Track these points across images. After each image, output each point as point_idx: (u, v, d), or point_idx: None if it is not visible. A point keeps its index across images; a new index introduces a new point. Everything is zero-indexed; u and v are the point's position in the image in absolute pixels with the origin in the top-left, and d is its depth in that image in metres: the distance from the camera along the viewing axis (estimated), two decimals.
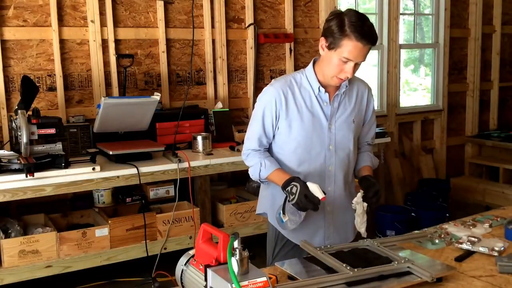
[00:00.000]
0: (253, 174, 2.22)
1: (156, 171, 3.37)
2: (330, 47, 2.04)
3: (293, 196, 1.98)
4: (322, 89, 2.17)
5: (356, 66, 2.05)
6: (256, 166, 2.18)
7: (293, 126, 2.16)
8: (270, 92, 2.18)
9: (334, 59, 2.05)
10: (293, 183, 2.00)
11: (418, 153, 5.50)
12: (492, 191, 5.26)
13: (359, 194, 2.13)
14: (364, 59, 2.05)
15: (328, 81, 2.14)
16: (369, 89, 2.34)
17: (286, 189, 2.02)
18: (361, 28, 1.97)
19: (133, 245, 3.43)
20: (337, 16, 2.03)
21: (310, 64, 2.21)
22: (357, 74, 2.16)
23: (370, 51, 2.08)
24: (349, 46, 1.99)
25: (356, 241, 2.02)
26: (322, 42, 2.08)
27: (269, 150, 2.27)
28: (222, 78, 4.33)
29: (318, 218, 2.22)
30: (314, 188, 1.98)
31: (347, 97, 2.23)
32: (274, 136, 2.22)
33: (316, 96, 2.17)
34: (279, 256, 2.27)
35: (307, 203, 1.96)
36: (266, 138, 2.21)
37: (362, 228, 2.15)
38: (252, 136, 2.23)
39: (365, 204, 2.11)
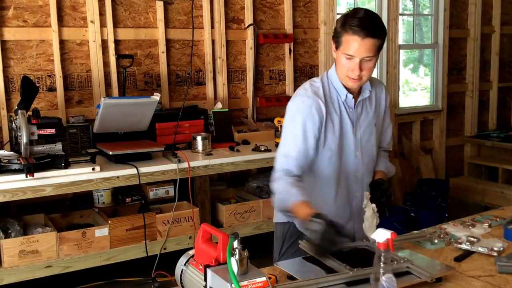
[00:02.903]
0: (276, 201, 2.04)
1: (155, 171, 3.37)
2: (337, 47, 2.01)
3: (317, 234, 1.76)
4: (350, 95, 2.09)
5: (364, 63, 1.96)
6: (281, 194, 2.00)
7: (327, 134, 2.08)
8: (308, 100, 2.04)
9: (341, 58, 1.99)
10: (315, 219, 1.77)
11: (417, 153, 5.50)
12: (491, 191, 5.26)
13: (365, 197, 2.08)
14: (369, 54, 1.94)
15: (345, 84, 2.07)
16: (386, 89, 2.27)
17: (307, 226, 1.83)
18: (360, 21, 1.92)
19: (133, 245, 3.43)
20: (342, 16, 2.01)
21: (333, 68, 2.12)
22: None
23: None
24: (348, 40, 1.94)
25: (356, 241, 2.03)
26: (332, 44, 2.04)
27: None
28: (221, 79, 4.33)
29: (349, 224, 2.19)
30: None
31: (368, 100, 2.17)
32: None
33: (343, 102, 2.11)
34: (286, 254, 2.24)
35: (332, 244, 1.76)
36: (306, 157, 2.03)
37: (369, 233, 2.03)
38: (291, 154, 2.02)
39: (374, 205, 2.05)
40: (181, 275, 1.56)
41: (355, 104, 2.13)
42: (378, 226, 1.91)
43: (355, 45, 1.93)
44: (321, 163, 2.12)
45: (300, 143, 2.03)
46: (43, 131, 3.11)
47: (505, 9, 5.92)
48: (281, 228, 2.29)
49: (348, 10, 2.05)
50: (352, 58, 1.95)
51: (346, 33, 1.94)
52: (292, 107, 2.10)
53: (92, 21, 3.78)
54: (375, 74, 5.22)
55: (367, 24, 1.92)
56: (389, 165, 2.33)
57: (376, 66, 5.28)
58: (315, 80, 2.14)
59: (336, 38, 1.99)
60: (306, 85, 2.13)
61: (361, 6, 5.32)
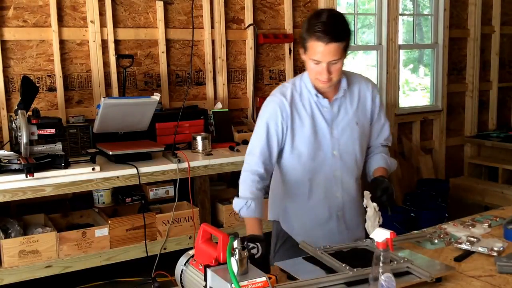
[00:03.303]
0: (235, 207, 2.13)
1: (155, 171, 3.37)
2: (304, 52, 2.04)
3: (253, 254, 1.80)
4: (320, 95, 2.12)
5: (332, 66, 1.99)
6: (241, 201, 2.09)
7: (296, 135, 2.12)
8: (273, 102, 2.12)
9: (309, 62, 2.03)
10: (256, 243, 1.83)
11: (417, 153, 5.50)
12: (491, 191, 5.26)
13: (365, 196, 2.05)
14: (335, 58, 1.97)
15: (316, 86, 2.10)
16: (374, 86, 2.25)
17: (246, 244, 1.85)
18: (323, 26, 1.93)
19: (133, 245, 3.43)
20: (307, 19, 2.04)
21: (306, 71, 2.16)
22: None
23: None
24: (313, 46, 1.97)
25: (356, 241, 2.03)
26: (300, 48, 2.08)
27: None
28: (221, 79, 4.33)
29: (330, 223, 2.21)
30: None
31: (349, 99, 2.17)
32: (282, 150, 2.15)
33: (315, 102, 2.13)
34: (280, 251, 2.28)
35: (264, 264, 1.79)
36: (269, 155, 2.12)
37: (372, 232, 2.08)
38: (255, 151, 2.13)
39: (375, 205, 2.03)
40: (181, 275, 1.56)
41: (330, 103, 2.14)
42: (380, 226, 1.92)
43: (320, 50, 1.95)
44: (292, 164, 2.16)
45: (263, 142, 2.11)
46: (43, 131, 3.11)
47: (505, 9, 5.92)
48: (275, 225, 2.33)
49: (312, 12, 2.08)
50: (319, 62, 1.99)
51: (310, 38, 1.97)
52: (261, 109, 2.18)
53: (92, 21, 3.78)
54: (375, 74, 5.25)
55: (330, 28, 1.94)
56: (390, 160, 2.31)
57: (376, 66, 5.33)
58: (287, 83, 2.20)
59: (303, 43, 2.03)
60: (277, 88, 2.20)
61: (360, 7, 5.33)
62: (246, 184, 2.10)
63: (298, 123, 2.11)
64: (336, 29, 1.96)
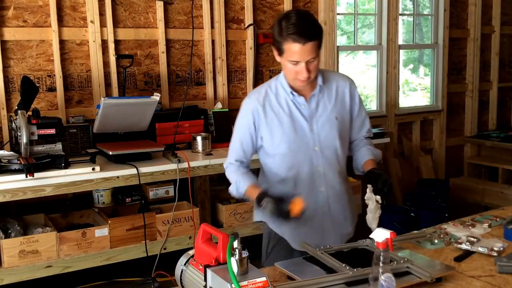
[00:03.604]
0: (233, 192, 2.25)
1: (155, 171, 3.37)
2: (279, 54, 2.09)
3: (269, 212, 1.99)
4: (295, 93, 2.18)
5: (310, 64, 2.06)
6: (234, 184, 2.23)
7: (275, 134, 2.18)
8: (247, 105, 2.23)
9: (286, 64, 2.09)
10: (264, 200, 2.00)
11: (417, 153, 5.50)
12: (491, 191, 5.26)
13: (368, 190, 2.08)
14: (313, 56, 2.04)
15: (295, 85, 2.16)
16: (351, 83, 2.31)
17: (259, 207, 2.04)
18: (296, 28, 1.99)
19: (133, 245, 3.43)
20: (276, 22, 2.08)
21: (283, 71, 2.22)
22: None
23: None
24: (290, 48, 2.02)
25: (356, 241, 2.03)
26: (274, 51, 2.13)
27: (260, 159, 2.30)
28: (221, 79, 4.34)
29: (315, 217, 2.23)
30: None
31: (326, 95, 2.23)
32: (260, 147, 2.24)
33: (292, 100, 2.19)
34: (273, 253, 2.30)
35: (284, 215, 1.97)
36: (243, 152, 2.24)
37: (373, 225, 2.07)
38: (231, 149, 2.28)
39: (378, 197, 2.05)
40: (181, 275, 1.56)
41: (307, 101, 2.19)
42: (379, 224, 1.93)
43: (298, 51, 2.02)
44: (275, 162, 2.22)
45: (237, 141, 2.24)
46: (43, 131, 3.11)
47: (505, 9, 5.92)
48: (265, 227, 2.35)
49: (281, 15, 2.12)
50: (297, 63, 2.05)
51: (286, 41, 2.03)
52: (240, 109, 2.28)
53: (92, 21, 3.78)
54: (375, 74, 5.25)
55: (303, 29, 2.00)
56: (375, 151, 2.35)
57: (376, 66, 5.33)
58: (267, 82, 2.28)
59: (277, 46, 2.08)
60: (256, 87, 2.30)
61: (360, 7, 5.34)
62: (231, 173, 2.25)
63: (275, 122, 2.17)
64: (310, 29, 2.03)
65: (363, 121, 2.35)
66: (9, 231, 3.23)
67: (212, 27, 4.25)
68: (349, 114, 2.29)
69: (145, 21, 4.03)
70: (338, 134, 2.22)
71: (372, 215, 2.07)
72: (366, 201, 2.09)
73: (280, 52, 2.08)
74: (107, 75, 3.89)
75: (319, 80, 2.20)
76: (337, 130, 2.22)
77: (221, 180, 4.33)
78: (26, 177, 2.92)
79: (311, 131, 2.19)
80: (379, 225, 2.09)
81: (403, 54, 5.58)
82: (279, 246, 2.29)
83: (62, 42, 3.73)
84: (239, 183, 2.20)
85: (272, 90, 2.22)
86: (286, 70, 2.13)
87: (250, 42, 4.42)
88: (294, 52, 2.02)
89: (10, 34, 3.57)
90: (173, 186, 3.75)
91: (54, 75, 3.73)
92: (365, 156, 2.30)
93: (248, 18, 4.40)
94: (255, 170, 2.36)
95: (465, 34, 5.71)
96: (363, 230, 2.10)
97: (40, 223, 3.47)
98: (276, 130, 2.17)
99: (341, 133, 2.24)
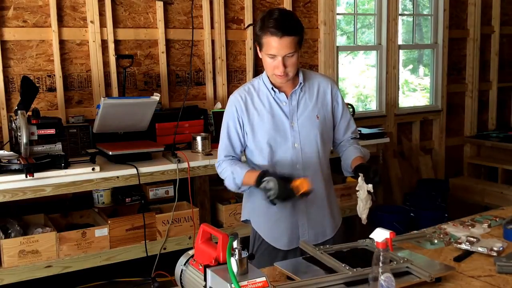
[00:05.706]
0: (230, 185, 2.27)
1: (155, 172, 3.37)
2: (260, 49, 2.14)
3: (273, 190, 1.98)
4: (276, 90, 2.22)
5: (287, 59, 2.09)
6: (229, 177, 2.24)
7: (256, 130, 2.22)
8: (230, 102, 2.27)
9: (265, 58, 2.13)
10: (265, 178, 2.02)
11: (417, 153, 5.51)
12: (491, 191, 5.26)
13: (360, 179, 2.08)
14: (290, 51, 2.06)
15: (274, 81, 2.20)
16: (333, 84, 2.34)
17: (261, 187, 2.04)
18: (275, 22, 2.04)
19: (133, 245, 3.43)
20: (259, 18, 2.13)
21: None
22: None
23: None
24: (268, 41, 2.07)
25: (356, 241, 2.03)
26: (256, 47, 2.18)
27: (246, 157, 2.33)
28: (221, 79, 4.34)
29: (292, 216, 2.25)
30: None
31: (308, 93, 2.25)
32: (246, 143, 2.28)
33: (273, 97, 2.22)
34: (257, 254, 2.31)
35: (289, 193, 1.98)
36: (233, 149, 2.28)
37: (363, 215, 2.09)
38: (220, 148, 2.33)
39: (370, 186, 2.05)
40: (181, 275, 1.56)
41: (288, 98, 2.23)
42: (376, 224, 1.93)
43: (275, 44, 2.06)
44: (256, 159, 2.26)
45: (225, 139, 2.29)
46: (43, 131, 3.11)
47: (505, 9, 5.93)
48: (252, 230, 2.37)
49: (264, 12, 2.17)
50: (274, 57, 2.09)
51: (265, 35, 2.07)
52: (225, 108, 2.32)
53: (92, 21, 3.78)
54: (375, 74, 5.25)
55: (282, 24, 2.05)
56: (363, 150, 2.35)
57: (376, 66, 5.33)
58: (251, 80, 2.34)
59: (258, 41, 2.14)
60: (241, 86, 2.35)
61: (360, 7, 5.34)
62: (224, 168, 2.29)
63: (257, 119, 2.22)
64: (289, 24, 2.07)
65: (348, 123, 2.37)
66: (9, 231, 3.23)
67: (212, 27, 4.25)
68: (331, 114, 2.30)
69: (145, 21, 4.03)
70: (319, 132, 2.24)
71: (363, 204, 2.08)
72: (357, 190, 2.09)
73: (260, 47, 2.12)
74: (107, 75, 3.89)
75: (300, 78, 2.23)
76: (318, 128, 2.24)
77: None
78: (26, 177, 2.92)
79: (292, 128, 2.21)
80: (369, 216, 2.13)
81: (402, 54, 5.59)
82: (263, 246, 2.31)
83: (62, 42, 3.73)
84: (235, 173, 2.20)
85: (255, 87, 2.26)
86: (265, 65, 2.16)
87: (250, 42, 4.42)
88: (272, 45, 2.06)
89: (10, 34, 3.57)
90: (173, 186, 3.75)
91: (54, 75, 3.73)
92: (353, 154, 2.29)
93: (248, 18, 4.40)
94: None
95: (465, 34, 5.71)
96: (350, 230, 2.09)
97: (40, 223, 3.47)
98: (257, 126, 2.22)
99: (322, 132, 2.25)
